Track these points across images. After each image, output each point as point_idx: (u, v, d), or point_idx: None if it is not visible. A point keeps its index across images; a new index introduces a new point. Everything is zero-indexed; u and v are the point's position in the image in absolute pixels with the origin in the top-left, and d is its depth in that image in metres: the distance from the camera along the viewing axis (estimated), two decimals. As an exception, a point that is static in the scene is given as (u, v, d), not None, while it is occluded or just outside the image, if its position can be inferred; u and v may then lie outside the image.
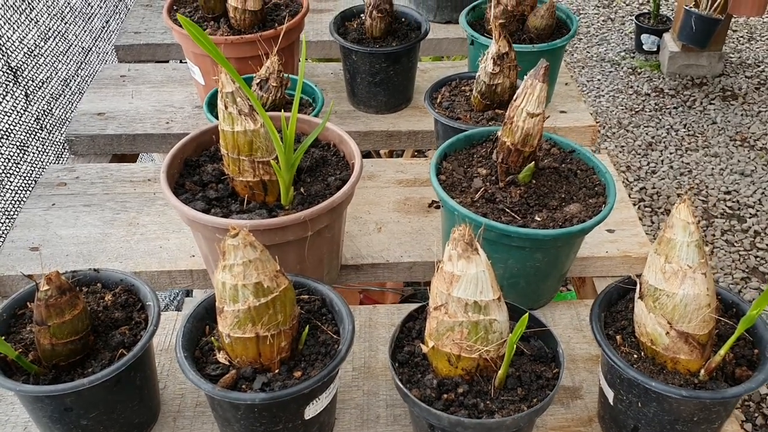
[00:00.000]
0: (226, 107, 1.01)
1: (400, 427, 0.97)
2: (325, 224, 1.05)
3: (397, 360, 0.90)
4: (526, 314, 0.81)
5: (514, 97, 1.05)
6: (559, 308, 1.15)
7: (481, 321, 0.84)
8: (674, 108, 4.18)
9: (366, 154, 2.15)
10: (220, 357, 0.88)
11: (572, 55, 4.64)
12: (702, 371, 0.86)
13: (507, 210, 1.05)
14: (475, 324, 0.85)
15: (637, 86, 4.37)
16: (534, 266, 1.05)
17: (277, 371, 0.87)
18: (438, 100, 1.34)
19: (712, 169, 3.72)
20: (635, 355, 0.89)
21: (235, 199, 1.08)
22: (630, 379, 0.85)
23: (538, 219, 1.04)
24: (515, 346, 0.85)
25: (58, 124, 1.57)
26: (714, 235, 3.31)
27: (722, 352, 0.85)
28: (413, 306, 0.97)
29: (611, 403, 0.91)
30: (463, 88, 1.37)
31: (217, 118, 1.34)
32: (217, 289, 0.85)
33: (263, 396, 0.81)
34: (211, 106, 1.34)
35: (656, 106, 4.19)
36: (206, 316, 0.92)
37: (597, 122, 3.97)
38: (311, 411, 0.87)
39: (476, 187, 1.08)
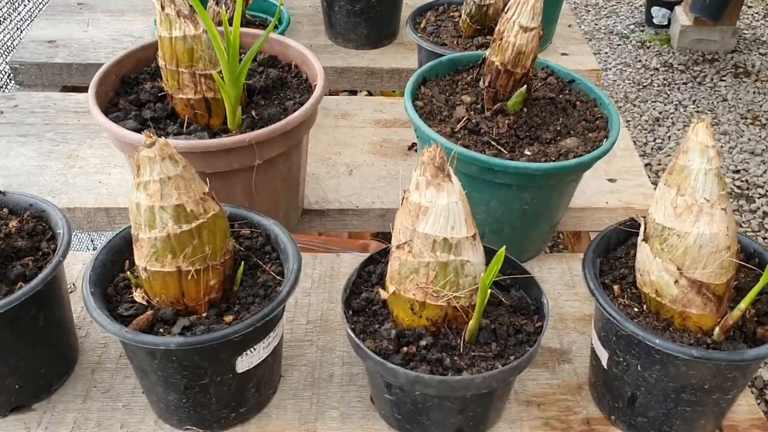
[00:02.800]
0: (162, 7, 0.85)
1: (356, 388, 0.83)
2: (279, 152, 0.90)
3: (351, 307, 0.75)
4: (502, 250, 0.66)
5: (506, 9, 0.89)
6: (548, 262, 0.99)
7: (450, 262, 0.70)
8: (683, 84, 4.01)
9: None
10: (137, 295, 0.73)
11: (579, 26, 4.46)
12: (717, 329, 0.71)
13: (493, 142, 0.89)
14: (443, 265, 0.70)
15: (646, 60, 4.19)
16: (521, 209, 0.90)
17: (204, 314, 0.72)
18: (422, 26, 1.18)
19: (721, 147, 3.56)
20: (636, 309, 0.74)
21: (174, 120, 0.92)
22: (629, 335, 0.70)
23: (528, 153, 0.88)
24: (490, 292, 0.71)
25: (1, 51, 1.42)
26: (721, 215, 3.16)
27: (742, 306, 0.70)
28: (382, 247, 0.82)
29: (605, 367, 0.77)
30: (451, 13, 1.22)
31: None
32: (132, 211, 0.70)
33: (180, 341, 0.66)
34: (164, 25, 1.19)
35: (665, 81, 4.02)
36: (126, 248, 0.77)
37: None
38: (244, 363, 0.72)
39: (459, 117, 0.93)
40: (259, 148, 0.86)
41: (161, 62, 0.89)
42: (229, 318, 0.71)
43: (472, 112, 0.93)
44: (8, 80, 1.41)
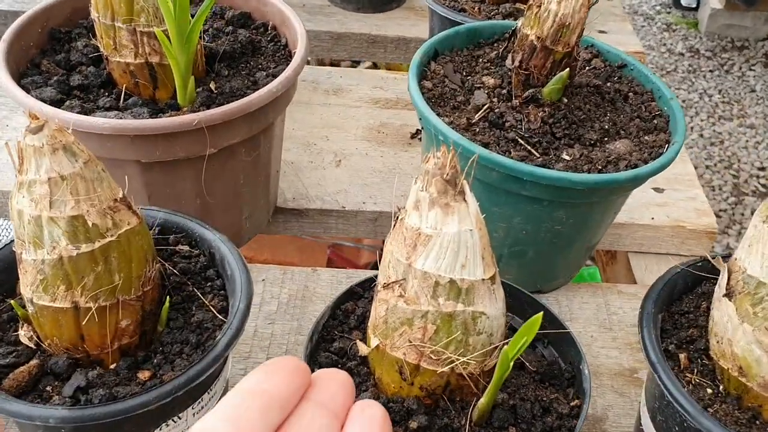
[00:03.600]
0: (92, -61, 0.64)
1: (324, 459, 0.63)
2: (240, 139, 0.69)
3: (318, 362, 0.55)
4: (538, 316, 0.46)
5: (547, -34, 0.68)
6: (579, 294, 0.79)
7: (458, 314, 0.49)
8: (710, 71, 3.77)
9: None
10: (23, 335, 0.53)
11: (602, 4, 4.20)
12: (826, 430, 0.51)
13: (521, 140, 0.68)
14: (448, 317, 0.49)
15: (671, 44, 3.95)
16: (552, 229, 0.69)
17: (112, 366, 0.52)
18: (437, -10, 0.96)
19: (747, 141, 3.33)
20: (709, 390, 0.54)
21: (110, 90, 0.71)
22: (699, 430, 0.50)
23: (567, 157, 0.67)
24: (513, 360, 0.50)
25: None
26: (743, 214, 2.95)
27: None
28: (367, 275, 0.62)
29: (658, 458, 0.57)
30: (472, -23, 0.99)
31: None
32: (13, 221, 0.49)
33: (63, 414, 0.46)
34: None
35: (690, 68, 3.78)
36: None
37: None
38: (165, 436, 0.52)
39: (478, 104, 0.72)
40: (212, 134, 0.65)
41: (93, 14, 0.68)
42: (144, 374, 0.51)
43: (495, 99, 0.72)
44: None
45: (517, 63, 0.71)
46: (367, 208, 0.87)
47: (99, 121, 0.62)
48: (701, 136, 3.32)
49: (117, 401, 0.47)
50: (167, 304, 0.53)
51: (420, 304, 0.50)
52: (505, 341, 0.52)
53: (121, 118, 0.65)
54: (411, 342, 0.51)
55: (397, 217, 0.52)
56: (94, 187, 0.49)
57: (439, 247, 0.49)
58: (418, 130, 0.99)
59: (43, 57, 0.74)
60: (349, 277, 0.79)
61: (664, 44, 3.91)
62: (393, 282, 0.51)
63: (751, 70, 3.75)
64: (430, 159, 0.49)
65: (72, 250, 0.48)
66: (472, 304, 0.50)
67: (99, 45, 0.71)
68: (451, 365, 0.51)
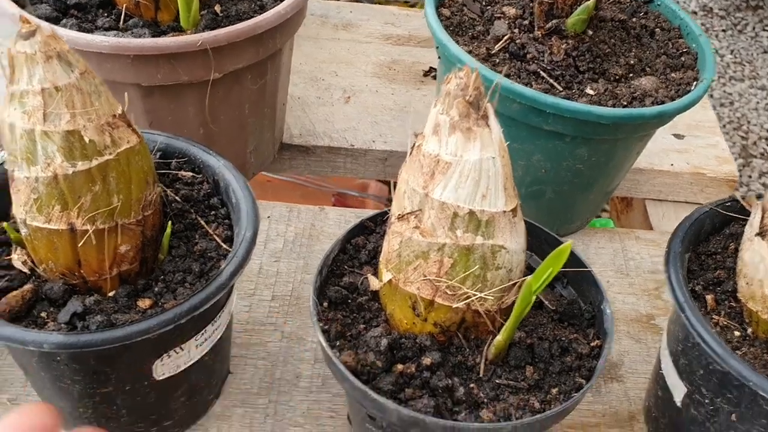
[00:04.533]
0: None
1: (329, 398, 0.61)
2: (246, 64, 0.65)
3: (327, 297, 0.52)
4: (567, 245, 0.43)
5: None
6: (596, 239, 0.76)
7: (477, 247, 0.46)
8: (722, 31, 3.68)
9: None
10: (17, 258, 0.50)
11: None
12: None
13: (543, 73, 0.65)
14: (466, 251, 0.47)
15: (684, 2, 3.85)
16: (573, 168, 0.66)
17: (110, 294, 0.49)
18: None
19: (757, 103, 3.27)
20: (737, 332, 0.51)
21: (109, 10, 0.67)
22: (726, 373, 0.48)
23: (591, 92, 0.64)
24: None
25: None
26: (750, 176, 2.92)
27: None
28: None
29: (677, 404, 0.54)
30: None
31: None
32: (4, 135, 0.46)
33: (58, 340, 0.43)
34: None
35: (702, 27, 3.69)
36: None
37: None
38: (166, 368, 0.50)
39: (498, 34, 0.68)
40: (217, 57, 0.62)
41: (90, -76, 0.64)
42: (145, 302, 0.48)
43: (516, 30, 0.68)
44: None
45: (541, -9, 0.67)
46: (377, 147, 0.84)
47: (97, 39, 0.58)
48: (711, 96, 3.27)
49: (115, 328, 0.44)
50: (169, 230, 0.50)
51: (436, 236, 0.47)
52: (524, 278, 0.50)
53: (117, 37, 0.61)
54: (426, 276, 0.48)
55: (413, 145, 0.49)
56: (92, 101, 0.45)
57: (458, 176, 0.46)
58: (430, 68, 0.95)
59: (38, -27, 0.70)
60: (357, 217, 0.76)
61: (678, 2, 3.83)
62: (408, 213, 0.49)
63: (764, 30, 3.66)
64: (452, 79, 0.46)
65: (68, 168, 0.45)
66: (491, 237, 0.47)
67: (97, -39, 0.67)
68: (468, 301, 0.48)
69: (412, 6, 1.20)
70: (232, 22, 0.66)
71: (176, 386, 0.53)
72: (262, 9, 0.69)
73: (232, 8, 0.68)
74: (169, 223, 0.51)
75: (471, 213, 0.46)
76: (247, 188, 0.54)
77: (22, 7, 0.63)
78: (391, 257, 0.50)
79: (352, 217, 0.76)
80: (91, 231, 0.46)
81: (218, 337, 0.53)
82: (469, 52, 0.65)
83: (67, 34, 0.59)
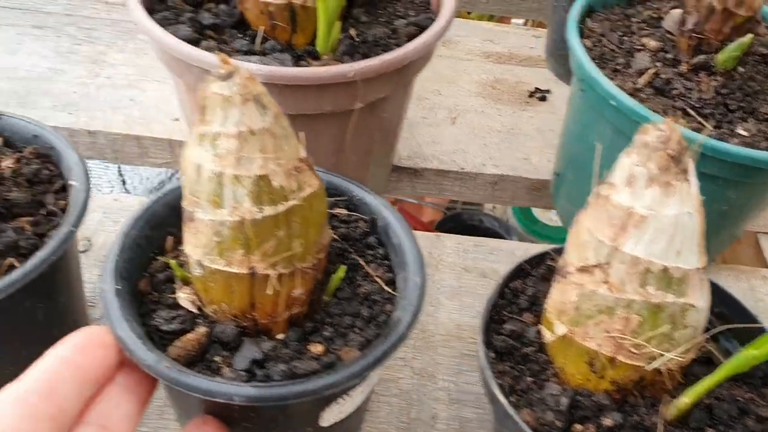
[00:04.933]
0: None
1: (469, 440, 0.60)
2: (385, 95, 0.64)
3: (492, 346, 0.51)
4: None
5: None
6: (722, 276, 0.74)
7: (668, 305, 0.45)
8: None
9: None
10: (183, 297, 0.49)
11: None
12: None
13: (691, 111, 0.63)
14: (655, 309, 0.45)
15: None
16: (719, 210, 0.64)
17: (279, 336, 0.48)
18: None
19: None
20: None
21: (243, 31, 0.66)
22: None
23: (743, 132, 0.62)
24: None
25: None
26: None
27: None
28: (506, 246, 0.58)
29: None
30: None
31: None
32: (187, 175, 0.45)
33: (251, 393, 0.42)
34: None
35: None
36: (171, 217, 0.53)
37: None
38: (332, 415, 0.49)
39: (640, 68, 0.66)
40: (365, 87, 0.60)
41: (233, -55, 0.63)
42: (317, 348, 0.47)
43: (659, 64, 0.66)
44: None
45: (690, 26, 0.65)
46: (487, 170, 0.82)
47: (251, 67, 0.57)
48: None
49: (304, 380, 0.43)
50: (342, 273, 0.49)
51: (625, 291, 0.45)
52: (705, 335, 0.48)
53: (265, 64, 0.60)
54: (609, 333, 0.47)
55: (598, 192, 0.47)
56: (281, 145, 0.44)
57: (654, 231, 0.44)
58: (536, 88, 0.93)
59: (168, -9, 0.69)
60: (476, 246, 0.75)
61: None
62: (593, 265, 0.47)
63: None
64: (650, 131, 0.44)
65: (255, 213, 0.44)
66: (683, 295, 0.45)
67: (234, -19, 0.65)
68: (650, 360, 0.47)
69: (497, 19, 1.18)
70: (370, 48, 0.65)
71: (333, 431, 0.51)
72: (395, 33, 0.68)
73: (368, 33, 0.66)
74: (343, 267, 0.49)
75: (665, 269, 0.45)
76: (408, 229, 0.52)
77: (162, 24, 0.62)
78: (566, 309, 0.49)
79: (470, 245, 0.75)
80: (273, 276, 0.45)
81: (374, 381, 0.52)
82: (618, 86, 0.63)
83: (210, 57, 0.57)
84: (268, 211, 0.44)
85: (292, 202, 0.45)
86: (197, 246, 0.46)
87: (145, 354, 0.42)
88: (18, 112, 0.79)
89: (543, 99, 0.92)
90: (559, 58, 0.93)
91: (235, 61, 0.47)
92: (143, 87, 0.86)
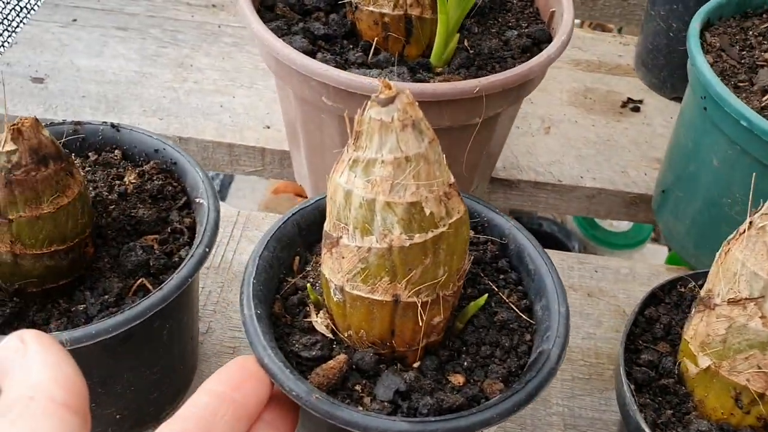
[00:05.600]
0: None
1: (587, 468, 0.58)
2: (503, 109, 0.62)
3: (633, 377, 0.49)
4: None
5: None
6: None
7: (829, 344, 0.43)
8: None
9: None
10: (318, 321, 0.48)
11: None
12: None
13: (823, 131, 0.60)
14: (817, 347, 0.43)
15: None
16: None
17: (415, 365, 0.47)
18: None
19: None
20: None
21: (354, 42, 0.64)
22: None
23: None
24: None
25: None
26: None
27: None
28: (613, 264, 0.55)
29: None
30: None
31: None
32: (333, 200, 0.43)
33: (403, 428, 0.41)
34: None
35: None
36: (298, 238, 0.52)
37: None
38: (469, 447, 0.47)
39: (765, 85, 0.63)
40: (487, 102, 0.58)
41: (349, -46, 0.61)
42: (457, 379, 0.46)
43: (785, 81, 0.63)
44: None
45: (822, 41, 0.62)
46: (585, 183, 0.80)
47: (375, 84, 0.55)
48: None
49: (456, 416, 0.41)
50: (481, 301, 0.48)
51: (784, 328, 0.43)
52: None
53: (387, 77, 0.58)
54: (760, 368, 0.45)
55: (753, 223, 0.45)
56: (434, 171, 0.42)
57: (820, 268, 0.42)
58: (629, 98, 0.91)
59: (274, -1, 0.68)
60: (580, 263, 0.73)
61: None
62: (745, 298, 0.45)
63: None
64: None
65: (405, 240, 0.42)
66: None
67: (345, -9, 0.64)
68: (809, 400, 0.45)
69: (595, 26, 1.15)
70: (485, 61, 0.63)
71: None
72: (507, 45, 0.66)
73: (482, 45, 0.65)
74: (484, 296, 0.48)
75: (829, 309, 0.42)
76: (545, 254, 0.51)
77: (278, 34, 0.61)
78: (712, 342, 0.47)
79: (574, 262, 0.73)
80: (418, 304, 0.44)
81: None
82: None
83: (340, 76, 0.56)
84: (418, 238, 0.42)
85: (441, 229, 0.43)
86: (339, 271, 0.45)
87: (295, 385, 0.41)
88: (109, 117, 0.79)
89: (636, 110, 0.89)
90: (652, 67, 0.91)
91: (396, 83, 0.45)
92: (232, 92, 0.85)
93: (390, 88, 0.40)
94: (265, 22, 0.63)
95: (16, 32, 0.91)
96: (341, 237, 0.44)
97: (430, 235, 0.43)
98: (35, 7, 0.94)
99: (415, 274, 0.43)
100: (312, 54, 0.61)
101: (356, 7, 0.63)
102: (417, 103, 0.41)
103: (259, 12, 0.66)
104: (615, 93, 0.92)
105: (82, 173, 0.47)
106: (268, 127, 0.82)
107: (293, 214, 0.52)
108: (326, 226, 0.45)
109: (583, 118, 0.88)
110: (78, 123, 0.54)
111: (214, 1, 0.98)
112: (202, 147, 0.80)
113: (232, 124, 0.82)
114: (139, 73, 0.86)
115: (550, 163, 0.82)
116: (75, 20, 0.92)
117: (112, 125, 0.55)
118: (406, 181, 0.41)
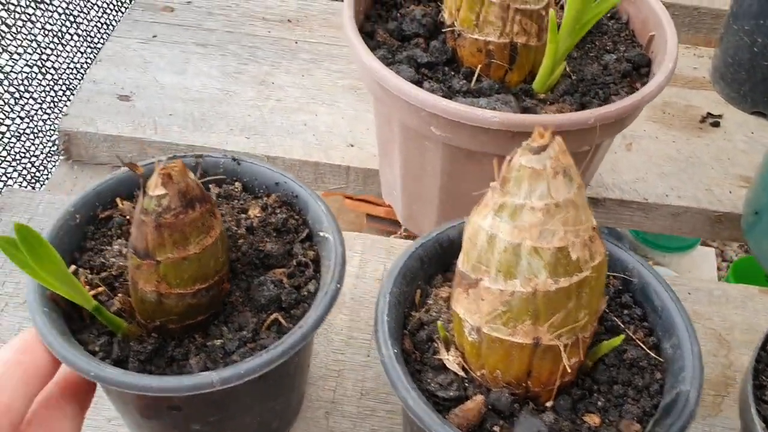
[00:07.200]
0: None
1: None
2: (611, 137, 0.62)
3: (762, 416, 0.49)
4: None
5: None
6: None
7: None
8: None
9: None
10: (450, 359, 0.48)
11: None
12: None
13: None
14: None
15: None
16: None
17: (548, 404, 0.47)
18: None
19: None
20: None
21: (456, 69, 0.65)
22: None
23: None
24: None
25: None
26: None
27: None
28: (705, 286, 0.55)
29: None
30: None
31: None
32: (475, 242, 0.44)
33: (555, 472, 0.41)
34: None
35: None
36: (420, 272, 0.52)
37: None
38: (600, 484, 0.48)
39: None
40: (600, 131, 0.59)
41: (456, -17, 0.61)
42: (593, 419, 0.46)
43: None
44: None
45: None
46: (671, 201, 0.80)
47: (488, 116, 0.56)
48: None
49: (602, 459, 0.42)
50: (617, 342, 0.48)
51: None
52: None
53: (493, 108, 0.58)
54: None
55: None
56: (580, 215, 0.43)
57: None
58: (708, 113, 0.90)
59: (373, 24, 0.68)
60: (674, 284, 0.73)
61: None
62: None
63: None
64: None
65: (551, 285, 0.43)
66: None
67: (446, 16, 0.64)
68: None
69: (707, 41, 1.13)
70: (588, 87, 0.63)
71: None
72: (606, 69, 0.66)
73: (584, 70, 0.65)
74: (621, 336, 0.48)
75: None
76: (671, 290, 0.51)
77: (385, 63, 0.61)
78: None
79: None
80: (561, 347, 0.44)
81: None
82: None
83: (451, 107, 0.56)
84: (563, 282, 0.43)
85: (585, 273, 0.43)
86: (477, 312, 0.45)
87: (442, 428, 0.42)
88: (196, 136, 0.80)
89: (716, 125, 0.89)
90: (732, 81, 0.90)
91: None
92: (314, 111, 0.86)
93: (543, 136, 0.41)
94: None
95: (98, 48, 0.92)
96: (481, 279, 0.44)
97: (575, 279, 0.43)
98: (114, 23, 0.95)
99: (558, 317, 0.44)
100: (419, 83, 0.61)
101: (459, 35, 0.63)
102: (567, 150, 0.41)
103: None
104: (693, 107, 0.91)
105: (219, 212, 0.48)
106: (352, 146, 0.82)
107: (417, 248, 0.52)
108: (462, 266, 0.45)
109: (664, 134, 0.87)
110: (200, 156, 0.55)
111: (290, 16, 0.98)
112: (289, 165, 0.81)
113: (317, 143, 0.82)
114: (223, 90, 0.87)
115: (635, 181, 0.82)
116: (155, 36, 0.93)
117: (233, 158, 0.56)
118: (555, 227, 0.42)
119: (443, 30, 0.66)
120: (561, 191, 0.41)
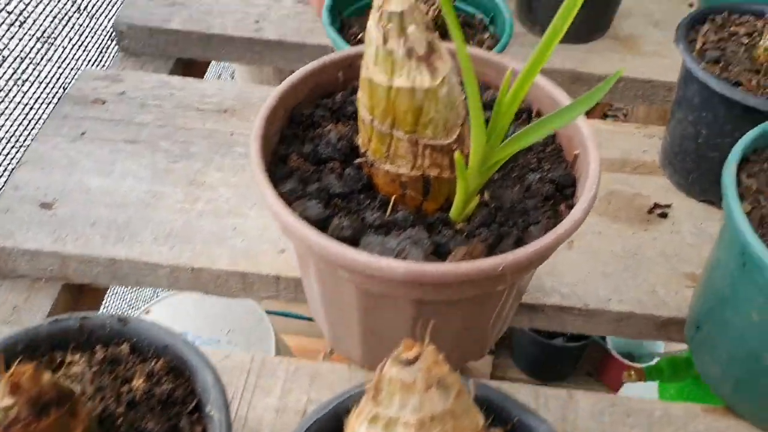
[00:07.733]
0: (385, 40, 0.53)
1: None
2: (528, 274, 0.59)
3: None
4: None
5: None
6: None
7: None
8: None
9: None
10: None
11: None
12: None
13: None
14: None
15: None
16: None
17: None
18: (698, 46, 0.82)
19: None
20: None
21: (372, 197, 0.62)
22: None
23: None
24: None
25: (104, 6, 1.11)
26: None
27: None
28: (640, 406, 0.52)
29: None
30: (734, 28, 0.85)
31: (340, 32, 0.86)
32: (353, 445, 0.41)
33: None
34: (335, 11, 0.86)
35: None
36: (315, 449, 0.49)
37: None
38: None
39: (811, 236, 0.60)
40: (511, 275, 0.55)
41: (364, 114, 0.58)
42: None
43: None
44: (108, 45, 1.10)
45: None
46: (612, 307, 0.77)
47: (393, 266, 0.52)
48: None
49: None
50: None
51: None
52: None
53: (403, 249, 0.55)
54: None
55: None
56: (461, 422, 0.40)
57: None
58: (655, 204, 0.87)
59: (288, 146, 0.65)
60: (612, 405, 0.70)
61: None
62: None
63: None
64: None
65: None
66: None
67: (362, 145, 0.61)
68: None
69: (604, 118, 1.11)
70: (507, 216, 0.60)
71: None
72: (530, 193, 0.63)
73: (502, 196, 0.62)
74: None
75: None
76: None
77: (291, 199, 0.58)
78: None
79: (606, 405, 0.70)
80: None
81: None
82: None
83: (360, 259, 0.53)
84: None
85: (469, 475, 0.40)
86: None
87: None
88: (119, 248, 0.77)
89: (664, 216, 0.86)
90: (680, 169, 0.87)
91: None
92: (245, 213, 0.83)
93: (411, 348, 0.38)
94: (278, 181, 0.61)
95: (23, 148, 0.89)
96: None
97: (458, 484, 0.40)
98: (40, 119, 0.92)
99: None
100: (329, 218, 0.58)
101: (372, 164, 0.60)
102: (441, 359, 0.38)
103: (272, 164, 0.63)
104: (641, 196, 0.88)
105: (86, 405, 0.45)
106: (283, 251, 0.79)
107: (312, 424, 0.49)
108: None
109: (608, 228, 0.84)
110: (84, 317, 0.52)
111: (227, 105, 0.95)
112: (215, 276, 0.78)
113: (245, 249, 0.79)
114: (150, 192, 0.84)
115: (576, 283, 0.78)
116: (84, 133, 0.90)
117: (119, 319, 0.52)
118: (432, 441, 0.39)
119: (360, 154, 0.63)
120: (436, 404, 0.38)
